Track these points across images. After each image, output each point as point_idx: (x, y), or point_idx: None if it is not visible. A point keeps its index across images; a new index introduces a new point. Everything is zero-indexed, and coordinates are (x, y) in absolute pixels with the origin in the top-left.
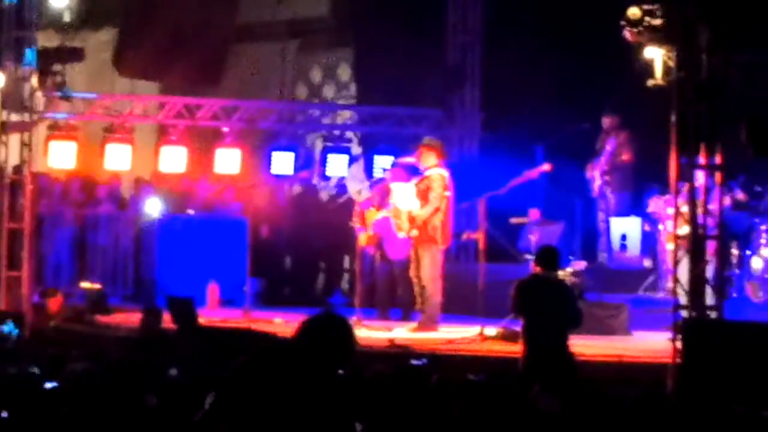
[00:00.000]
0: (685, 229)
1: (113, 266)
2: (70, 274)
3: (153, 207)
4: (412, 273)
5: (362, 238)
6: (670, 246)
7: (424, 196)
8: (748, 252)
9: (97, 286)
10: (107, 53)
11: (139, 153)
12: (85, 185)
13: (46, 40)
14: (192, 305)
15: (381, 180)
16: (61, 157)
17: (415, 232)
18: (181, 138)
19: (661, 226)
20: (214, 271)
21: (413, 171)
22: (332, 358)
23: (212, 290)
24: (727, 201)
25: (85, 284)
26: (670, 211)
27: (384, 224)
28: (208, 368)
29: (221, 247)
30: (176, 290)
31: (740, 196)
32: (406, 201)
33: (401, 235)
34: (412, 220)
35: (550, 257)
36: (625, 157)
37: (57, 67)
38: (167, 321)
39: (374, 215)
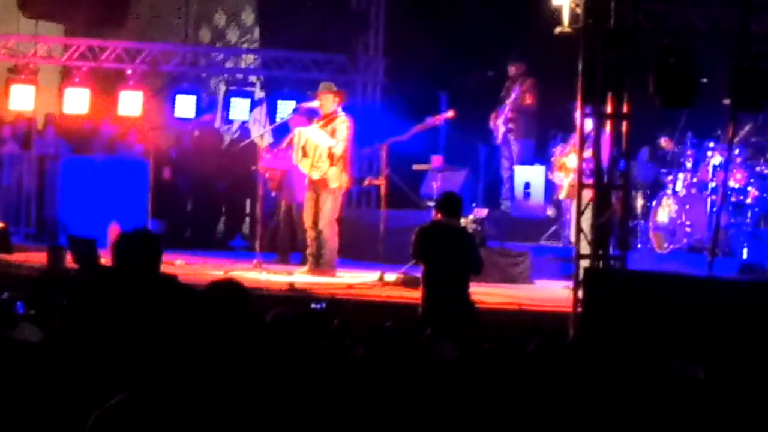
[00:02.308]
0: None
1: (16, 205)
2: None
3: None
4: (306, 217)
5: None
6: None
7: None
8: (653, 203)
9: (0, 224)
10: None
11: (42, 94)
12: None
13: None
14: (93, 245)
15: (283, 124)
16: None
17: (333, 170)
18: (84, 80)
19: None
20: (116, 212)
21: (315, 116)
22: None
23: (113, 231)
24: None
25: None
26: (573, 159)
27: (285, 167)
28: None
29: (123, 189)
30: (78, 230)
31: (664, 143)
32: (325, 139)
33: (316, 175)
34: (331, 156)
35: (451, 204)
36: (529, 101)
37: None
38: (69, 260)
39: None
